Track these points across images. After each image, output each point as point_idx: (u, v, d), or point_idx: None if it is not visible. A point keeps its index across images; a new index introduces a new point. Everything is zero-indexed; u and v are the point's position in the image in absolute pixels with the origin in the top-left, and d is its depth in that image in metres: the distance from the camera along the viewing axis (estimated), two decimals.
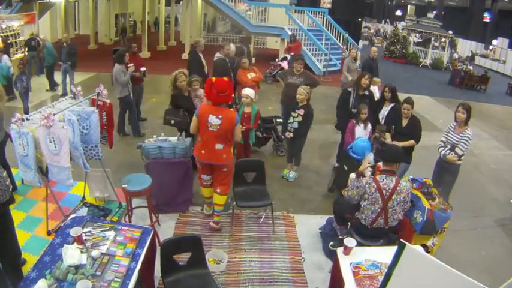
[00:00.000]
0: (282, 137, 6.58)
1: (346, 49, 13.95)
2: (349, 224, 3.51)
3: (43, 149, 3.55)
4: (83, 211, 4.39)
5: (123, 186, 3.67)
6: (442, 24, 20.25)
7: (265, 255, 3.94)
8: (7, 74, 7.92)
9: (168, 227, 4.26)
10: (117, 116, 6.02)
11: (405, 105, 4.45)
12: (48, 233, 3.92)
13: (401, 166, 4.36)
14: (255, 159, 5.07)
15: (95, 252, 2.65)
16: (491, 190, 6.01)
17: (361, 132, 4.85)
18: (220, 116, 3.80)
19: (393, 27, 24.08)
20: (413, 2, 34.93)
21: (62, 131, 3.43)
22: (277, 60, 12.62)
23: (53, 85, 9.57)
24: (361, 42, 18.96)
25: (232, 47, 7.40)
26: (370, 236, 3.31)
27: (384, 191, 3.12)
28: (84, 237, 2.77)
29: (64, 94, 8.53)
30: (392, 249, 2.08)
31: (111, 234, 2.88)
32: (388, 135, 4.60)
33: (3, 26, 10.13)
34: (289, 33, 13.10)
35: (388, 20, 34.64)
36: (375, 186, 3.13)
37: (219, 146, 3.89)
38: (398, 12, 36.57)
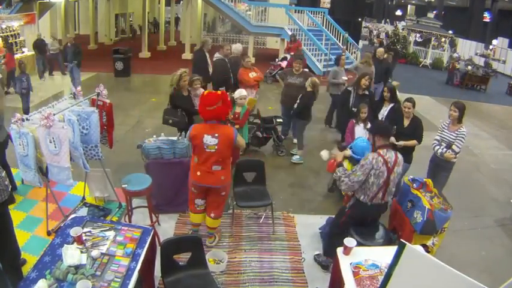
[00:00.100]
0: (282, 137, 6.59)
1: (346, 49, 13.96)
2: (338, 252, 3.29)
3: (43, 149, 3.55)
4: (83, 211, 4.39)
5: (123, 186, 3.67)
6: (442, 24, 20.26)
7: (265, 255, 3.94)
8: None
9: (168, 227, 4.26)
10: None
11: (406, 104, 4.45)
12: (48, 233, 3.92)
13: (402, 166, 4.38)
14: (255, 159, 5.07)
15: (95, 252, 2.65)
16: (491, 190, 6.01)
17: (361, 132, 4.85)
18: (216, 135, 3.40)
19: (393, 27, 24.10)
20: (413, 2, 34.92)
21: (62, 131, 3.43)
22: (277, 60, 12.63)
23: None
24: (361, 42, 18.96)
25: (239, 46, 7.41)
26: (368, 215, 3.41)
27: (389, 164, 3.23)
28: (84, 237, 2.77)
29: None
30: (392, 249, 2.08)
31: (111, 234, 2.88)
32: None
33: (3, 26, 10.14)
34: (289, 33, 13.10)
35: (388, 20, 34.64)
36: (382, 160, 3.21)
37: (216, 168, 3.50)
38: (398, 12, 36.55)
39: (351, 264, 2.77)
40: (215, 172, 3.52)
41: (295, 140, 6.45)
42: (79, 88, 4.30)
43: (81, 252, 2.64)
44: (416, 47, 19.71)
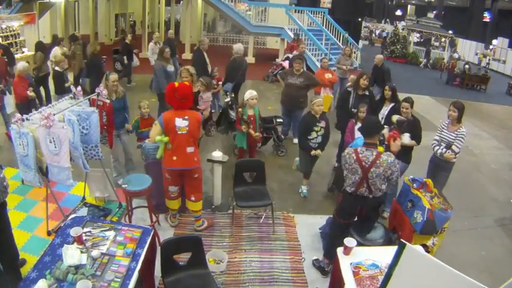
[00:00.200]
0: (282, 136, 6.59)
1: None
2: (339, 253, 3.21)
3: (43, 149, 3.55)
4: (83, 211, 4.39)
5: (123, 186, 3.67)
6: (442, 24, 20.27)
7: (265, 255, 3.94)
8: None
9: (168, 227, 4.26)
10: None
11: (404, 104, 4.45)
12: (48, 233, 3.92)
13: (400, 166, 4.37)
14: (255, 159, 5.08)
15: (95, 252, 2.65)
16: (491, 190, 6.01)
17: None
18: (186, 117, 3.73)
19: (393, 27, 24.09)
20: (413, 2, 34.90)
21: (62, 131, 3.43)
22: (277, 60, 12.64)
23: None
24: (361, 42, 18.95)
25: (240, 46, 7.43)
26: (354, 205, 3.43)
27: (363, 163, 3.24)
28: (84, 237, 2.77)
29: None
30: (392, 249, 2.08)
31: (111, 234, 2.88)
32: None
33: (3, 26, 10.13)
34: (290, 33, 13.10)
35: (388, 20, 34.65)
36: (354, 157, 3.28)
37: (190, 149, 3.79)
38: (398, 12, 36.55)
39: (351, 264, 2.77)
40: (189, 154, 3.80)
41: (295, 140, 6.43)
42: (79, 88, 4.30)
43: (81, 252, 2.64)
44: (416, 47, 19.71)
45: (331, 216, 4.16)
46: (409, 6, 33.10)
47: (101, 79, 4.71)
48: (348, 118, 5.13)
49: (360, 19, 18.18)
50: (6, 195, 3.07)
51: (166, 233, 4.06)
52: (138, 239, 2.86)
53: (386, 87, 5.05)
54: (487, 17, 28.72)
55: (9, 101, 6.51)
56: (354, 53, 15.22)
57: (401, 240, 2.01)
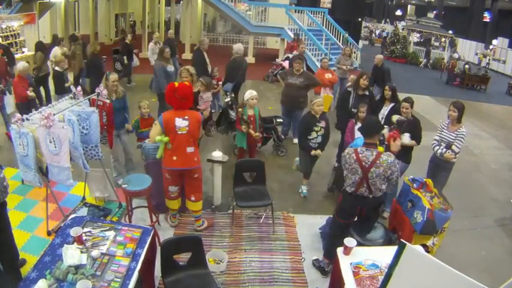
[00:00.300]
0: (282, 136, 6.59)
1: None
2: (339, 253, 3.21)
3: (43, 149, 3.55)
4: (83, 211, 4.39)
5: (123, 186, 3.67)
6: (442, 24, 20.27)
7: (265, 255, 3.94)
8: None
9: (168, 227, 4.26)
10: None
11: (404, 104, 4.45)
12: (48, 233, 3.92)
13: (400, 166, 4.37)
14: (255, 159, 5.07)
15: (95, 252, 2.65)
16: (491, 190, 6.01)
17: None
18: (186, 117, 3.71)
19: (393, 27, 24.10)
20: (413, 2, 34.90)
21: (62, 131, 3.43)
22: (277, 60, 12.64)
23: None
24: (361, 42, 18.95)
25: (240, 46, 7.44)
26: (353, 205, 3.43)
27: (363, 163, 3.25)
28: (84, 237, 2.77)
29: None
30: (392, 249, 2.08)
31: (111, 234, 2.88)
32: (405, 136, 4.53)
33: (3, 26, 10.13)
34: (290, 33, 13.10)
35: (388, 20, 34.65)
36: (354, 157, 3.28)
37: (190, 149, 3.78)
38: (398, 12, 36.55)
39: (351, 264, 2.77)
40: (189, 154, 3.79)
41: (295, 140, 6.43)
42: (79, 88, 4.30)
43: (81, 252, 2.64)
44: (416, 47, 19.71)
45: (331, 216, 4.16)
46: (409, 6, 33.11)
47: (101, 79, 4.71)
48: (348, 118, 5.13)
49: (360, 19, 18.18)
50: (6, 195, 3.07)
51: (166, 233, 4.06)
52: (138, 239, 2.86)
53: (386, 87, 5.05)
54: (487, 17, 28.73)
55: (9, 101, 6.51)
56: (354, 53, 15.23)
57: (401, 240, 2.01)
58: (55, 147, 3.48)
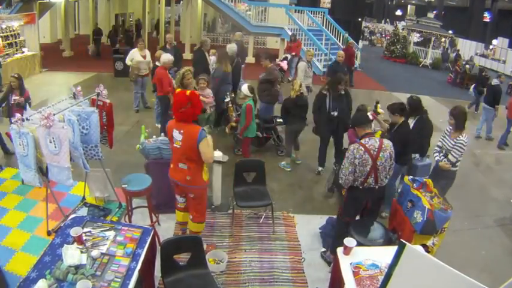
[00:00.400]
0: (282, 137, 6.59)
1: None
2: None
3: (43, 149, 3.55)
4: (83, 211, 4.39)
5: (123, 186, 3.67)
6: (442, 24, 20.25)
7: (265, 255, 3.94)
8: None
9: (168, 227, 4.26)
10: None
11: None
12: (48, 233, 3.92)
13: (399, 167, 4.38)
14: (255, 159, 5.06)
15: (95, 252, 2.65)
16: (491, 190, 6.01)
17: None
18: (182, 131, 3.35)
19: (393, 27, 24.10)
20: (413, 2, 34.92)
21: (62, 131, 3.43)
22: (276, 60, 12.61)
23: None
24: (361, 42, 18.96)
25: (233, 46, 7.43)
26: (361, 199, 3.54)
27: (372, 151, 3.34)
28: (84, 237, 2.77)
29: None
30: (392, 249, 2.08)
31: (111, 234, 2.88)
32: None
33: (3, 26, 10.13)
34: (290, 33, 13.10)
35: (388, 20, 34.66)
36: (363, 148, 3.35)
37: (182, 166, 3.44)
38: (398, 12, 36.57)
39: (351, 264, 2.77)
40: (179, 170, 3.47)
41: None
42: (79, 88, 4.30)
43: (81, 252, 2.64)
44: (416, 47, 19.71)
45: (331, 216, 4.16)
46: (409, 6, 33.13)
47: None
48: (327, 122, 5.17)
49: (360, 19, 18.21)
50: None
51: (166, 233, 4.06)
52: (138, 239, 2.86)
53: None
54: (487, 17, 28.74)
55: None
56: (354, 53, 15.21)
57: (401, 240, 2.01)
58: (55, 147, 3.48)
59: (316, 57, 13.42)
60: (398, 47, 19.03)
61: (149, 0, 19.65)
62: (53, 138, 3.44)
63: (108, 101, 4.33)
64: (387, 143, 3.44)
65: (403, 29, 20.72)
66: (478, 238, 4.65)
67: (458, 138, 4.11)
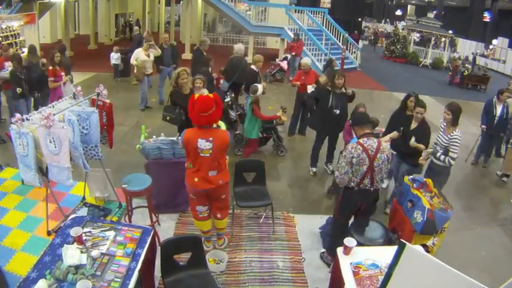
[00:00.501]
0: (282, 136, 6.60)
1: (346, 49, 13.96)
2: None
3: (43, 149, 3.54)
4: (83, 211, 4.39)
5: (123, 186, 3.67)
6: (442, 24, 20.27)
7: (265, 255, 3.94)
8: None
9: (168, 227, 4.26)
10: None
11: (418, 109, 4.35)
12: (48, 233, 3.92)
13: (407, 169, 4.43)
14: (255, 159, 5.07)
15: (95, 252, 2.65)
16: (491, 190, 6.01)
17: None
18: (211, 139, 3.22)
19: (393, 27, 24.09)
20: (413, 2, 34.94)
21: (62, 131, 3.43)
22: (277, 60, 12.64)
23: None
24: (361, 42, 18.96)
25: (241, 46, 7.44)
26: (355, 200, 3.51)
27: (369, 151, 3.33)
28: (84, 237, 2.77)
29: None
30: (392, 249, 2.08)
31: (111, 234, 2.88)
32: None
33: (3, 26, 10.13)
34: (290, 33, 13.10)
35: (388, 20, 34.67)
36: (361, 148, 3.33)
37: (212, 173, 3.35)
38: (398, 12, 36.59)
39: (351, 264, 2.77)
40: (211, 178, 3.38)
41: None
42: (79, 88, 4.30)
43: (81, 252, 2.64)
44: (416, 46, 19.71)
45: (331, 216, 4.16)
46: (409, 6, 33.18)
47: None
48: (329, 120, 5.14)
49: (360, 19, 18.22)
50: None
51: (166, 233, 4.06)
52: (138, 239, 2.86)
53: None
54: (487, 17, 28.76)
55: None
56: (354, 53, 15.25)
57: (401, 240, 2.01)
58: (55, 147, 3.48)
59: (316, 57, 13.43)
60: (398, 46, 19.04)
61: (149, 0, 19.69)
62: (53, 138, 3.44)
63: (108, 101, 4.33)
64: (385, 146, 3.44)
65: (403, 29, 20.73)
66: (478, 238, 4.65)
67: (452, 134, 4.13)
